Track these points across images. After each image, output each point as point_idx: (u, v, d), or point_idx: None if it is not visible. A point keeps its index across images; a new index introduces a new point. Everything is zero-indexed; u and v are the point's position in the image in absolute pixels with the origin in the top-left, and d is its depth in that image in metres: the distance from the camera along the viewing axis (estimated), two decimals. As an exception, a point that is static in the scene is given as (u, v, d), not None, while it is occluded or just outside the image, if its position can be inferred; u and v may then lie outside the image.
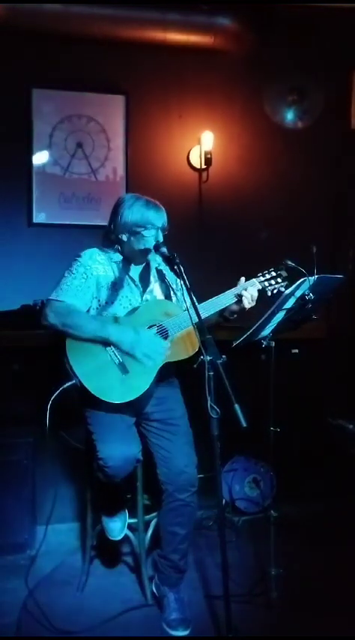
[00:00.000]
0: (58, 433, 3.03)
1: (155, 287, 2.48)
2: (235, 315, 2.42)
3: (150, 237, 2.34)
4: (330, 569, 2.76)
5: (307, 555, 2.83)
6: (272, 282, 2.38)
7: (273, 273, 2.39)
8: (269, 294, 2.37)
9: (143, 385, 2.29)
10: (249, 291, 2.34)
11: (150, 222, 2.34)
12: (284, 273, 2.37)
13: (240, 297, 2.35)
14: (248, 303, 2.34)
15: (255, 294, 2.35)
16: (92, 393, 2.23)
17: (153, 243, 2.33)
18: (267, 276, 2.39)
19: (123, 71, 3.74)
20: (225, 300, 2.37)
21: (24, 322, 3.03)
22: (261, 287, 2.37)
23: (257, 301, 2.37)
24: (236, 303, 2.37)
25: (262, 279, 2.38)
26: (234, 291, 2.37)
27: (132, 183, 3.77)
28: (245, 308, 2.36)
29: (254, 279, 2.38)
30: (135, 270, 2.46)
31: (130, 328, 2.28)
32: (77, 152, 3.74)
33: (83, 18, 3.32)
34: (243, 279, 2.39)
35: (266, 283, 2.38)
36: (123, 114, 3.77)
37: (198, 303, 2.27)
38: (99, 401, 2.24)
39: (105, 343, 2.28)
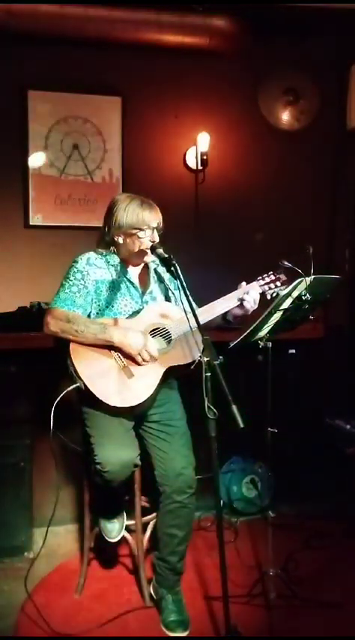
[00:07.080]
0: (55, 435, 3.04)
1: (154, 288, 2.47)
2: (238, 320, 2.43)
3: (146, 239, 2.34)
4: (329, 569, 2.76)
5: (305, 556, 2.83)
6: (272, 285, 2.40)
7: (273, 277, 2.41)
8: (269, 297, 2.39)
9: (147, 390, 2.28)
10: (251, 294, 2.35)
11: (145, 223, 2.32)
12: (283, 277, 2.40)
13: (241, 300, 2.36)
14: (250, 306, 2.36)
15: (257, 298, 2.37)
16: (97, 397, 2.22)
17: (149, 244, 2.33)
18: (267, 280, 2.41)
19: (119, 72, 3.75)
20: (226, 303, 2.38)
21: (20, 324, 3.02)
22: (261, 290, 2.39)
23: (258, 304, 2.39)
24: (238, 307, 2.38)
25: (262, 282, 2.41)
26: (235, 294, 2.38)
27: (128, 184, 3.78)
28: (248, 311, 2.37)
29: (254, 283, 2.40)
30: (134, 272, 2.45)
31: (133, 331, 2.28)
32: (73, 154, 3.74)
33: (78, 19, 3.33)
34: (243, 283, 2.41)
35: (266, 287, 2.40)
36: (119, 115, 3.78)
37: (197, 305, 2.28)
38: (100, 402, 2.23)
39: (109, 346, 2.27)
